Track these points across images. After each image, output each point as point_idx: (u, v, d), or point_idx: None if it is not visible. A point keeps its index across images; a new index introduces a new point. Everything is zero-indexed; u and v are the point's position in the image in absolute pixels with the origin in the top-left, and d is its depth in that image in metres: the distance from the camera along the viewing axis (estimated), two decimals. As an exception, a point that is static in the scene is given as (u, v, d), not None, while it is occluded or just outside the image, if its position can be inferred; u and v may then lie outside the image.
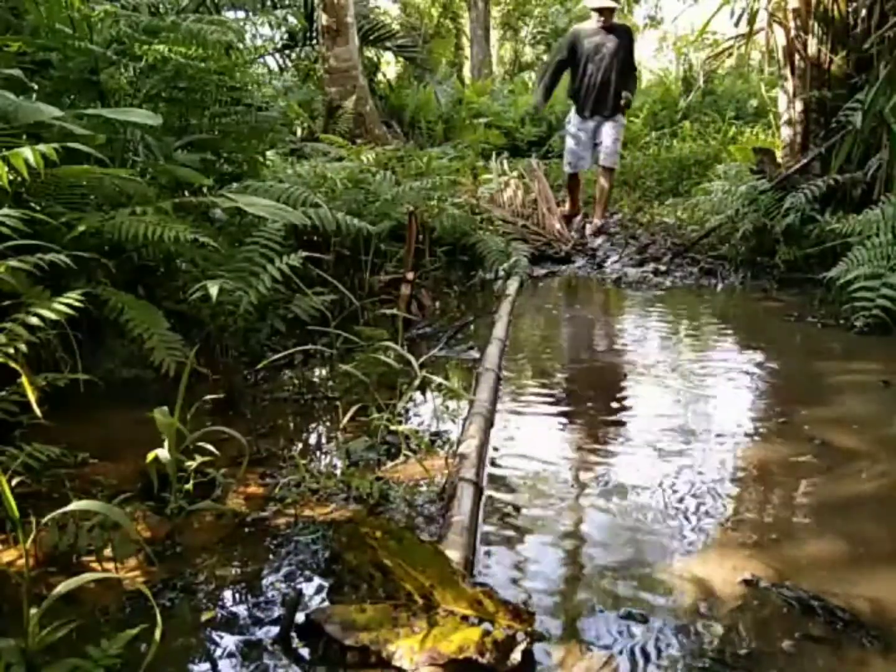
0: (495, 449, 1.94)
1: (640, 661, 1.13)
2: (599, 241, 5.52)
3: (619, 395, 2.51)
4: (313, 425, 2.22)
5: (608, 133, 5.52)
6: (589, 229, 5.70)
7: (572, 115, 5.78)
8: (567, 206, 5.93)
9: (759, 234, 4.30)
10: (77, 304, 1.69)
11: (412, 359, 2.16)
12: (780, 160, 4.68)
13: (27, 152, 1.68)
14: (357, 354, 2.49)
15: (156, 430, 1.55)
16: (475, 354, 2.78)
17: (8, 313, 1.68)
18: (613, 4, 5.58)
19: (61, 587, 1.05)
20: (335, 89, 7.27)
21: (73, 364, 2.08)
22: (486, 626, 1.13)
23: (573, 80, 5.77)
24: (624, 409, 2.38)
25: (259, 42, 4.26)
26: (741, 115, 9.13)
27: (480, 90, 10.61)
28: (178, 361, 2.10)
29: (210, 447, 1.65)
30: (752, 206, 4.38)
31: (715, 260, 4.63)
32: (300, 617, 1.20)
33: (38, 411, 1.50)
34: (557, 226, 5.48)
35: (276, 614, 1.25)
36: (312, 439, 2.14)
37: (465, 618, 1.15)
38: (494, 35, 19.47)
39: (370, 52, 9.20)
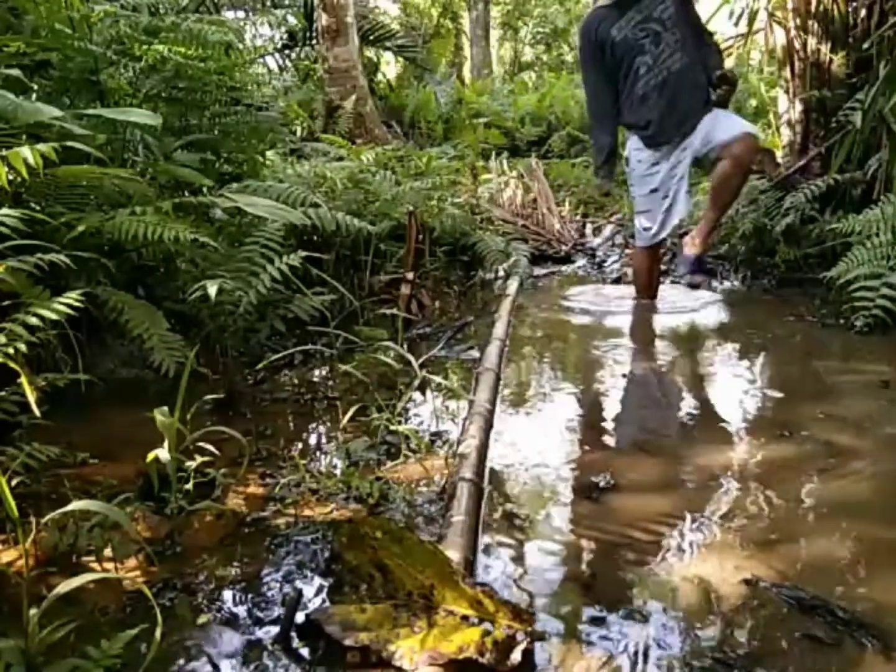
0: (495, 448, 1.94)
1: (640, 661, 1.13)
2: (599, 240, 5.52)
3: (616, 396, 2.51)
4: (313, 425, 2.22)
5: (712, 119, 3.33)
6: (683, 262, 3.56)
7: (633, 148, 3.56)
8: (639, 290, 3.73)
9: (759, 234, 4.30)
10: (77, 304, 1.69)
11: (412, 359, 2.16)
12: (780, 160, 4.69)
13: (26, 152, 1.68)
14: (357, 354, 2.50)
15: (156, 430, 1.55)
16: (475, 354, 2.78)
17: (8, 313, 1.68)
18: None
19: (61, 587, 1.05)
20: (335, 89, 7.28)
21: (73, 364, 2.08)
22: (486, 626, 1.13)
23: (619, 98, 3.49)
24: (622, 409, 2.38)
25: (259, 42, 4.27)
26: (741, 115, 9.13)
27: (480, 90, 10.63)
28: (178, 361, 2.10)
29: (210, 447, 1.65)
30: (752, 206, 4.39)
31: (715, 260, 4.63)
32: (300, 617, 1.20)
33: (36, 411, 1.49)
34: (557, 226, 5.48)
35: (276, 614, 1.25)
36: (312, 439, 2.14)
37: (465, 618, 1.15)
38: (494, 35, 19.50)
39: (370, 52, 9.22)
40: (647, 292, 3.71)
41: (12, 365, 1.48)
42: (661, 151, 3.45)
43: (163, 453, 1.54)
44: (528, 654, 1.11)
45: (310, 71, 8.24)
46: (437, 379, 2.34)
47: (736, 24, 5.07)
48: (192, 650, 1.18)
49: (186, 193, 2.90)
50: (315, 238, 3.33)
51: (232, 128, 3.19)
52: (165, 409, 1.58)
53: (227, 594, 1.32)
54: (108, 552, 1.41)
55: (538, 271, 4.63)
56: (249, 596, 1.31)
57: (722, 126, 3.29)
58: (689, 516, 1.59)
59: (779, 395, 2.47)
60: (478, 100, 9.77)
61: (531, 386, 2.56)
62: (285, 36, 8.18)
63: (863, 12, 4.15)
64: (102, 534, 1.42)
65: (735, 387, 2.53)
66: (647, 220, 3.57)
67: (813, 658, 1.14)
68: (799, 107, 4.49)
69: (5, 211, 1.78)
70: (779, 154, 4.77)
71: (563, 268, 4.85)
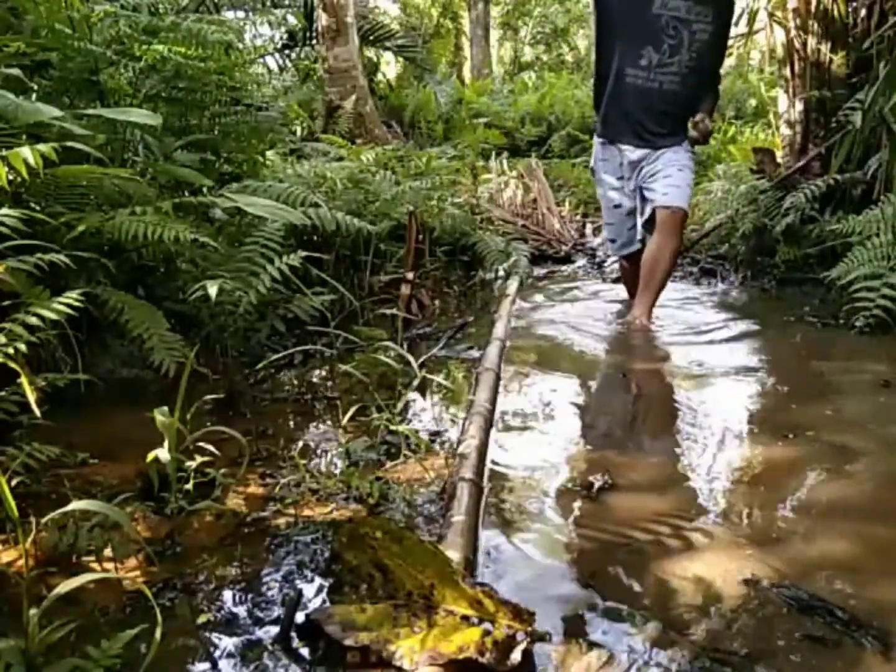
0: (495, 448, 1.94)
1: (640, 661, 1.13)
2: (599, 240, 5.52)
3: (615, 395, 2.51)
4: (313, 425, 2.22)
5: (669, 161, 3.21)
6: (631, 316, 3.30)
7: (599, 158, 3.46)
8: (630, 294, 3.63)
9: (759, 234, 4.31)
10: (77, 304, 1.69)
11: (412, 359, 2.16)
12: (780, 160, 4.69)
13: (26, 152, 1.68)
14: (357, 354, 2.50)
15: (156, 430, 1.55)
16: (475, 354, 2.78)
17: (8, 313, 1.68)
18: None
19: (61, 587, 1.05)
20: (335, 89, 7.28)
21: (73, 364, 2.08)
22: (487, 625, 1.13)
23: (600, 74, 3.35)
24: (621, 408, 2.37)
25: (259, 42, 4.27)
26: (741, 114, 9.15)
27: (480, 90, 10.63)
28: (178, 361, 2.10)
29: (210, 447, 1.65)
30: (752, 206, 4.39)
31: (715, 260, 4.64)
32: (300, 617, 1.20)
33: (37, 411, 1.49)
34: (557, 226, 5.49)
35: (276, 614, 1.25)
36: (312, 439, 2.14)
37: (465, 618, 1.15)
38: (494, 35, 19.52)
39: (370, 52, 9.22)
40: (630, 290, 3.59)
41: (12, 365, 1.48)
42: (619, 157, 3.33)
43: (163, 453, 1.54)
44: (528, 654, 1.11)
45: (310, 71, 8.24)
46: (437, 379, 2.34)
47: (736, 24, 5.07)
48: (192, 650, 1.18)
49: (186, 193, 2.90)
50: (315, 238, 3.33)
51: (232, 128, 3.19)
52: (165, 409, 1.58)
53: (227, 594, 1.32)
54: (108, 552, 1.40)
55: (538, 271, 4.63)
56: (249, 596, 1.31)
57: (663, 181, 3.19)
58: (688, 516, 1.59)
59: (779, 395, 2.47)
60: (478, 100, 9.77)
61: (531, 385, 2.55)
62: (285, 36, 8.18)
63: (863, 12, 4.16)
64: (102, 534, 1.42)
65: (735, 387, 2.53)
66: (611, 232, 3.59)
67: (813, 658, 1.14)
68: (799, 107, 4.49)
69: (5, 211, 1.78)
70: (779, 154, 4.77)
71: (563, 268, 4.86)
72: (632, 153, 3.30)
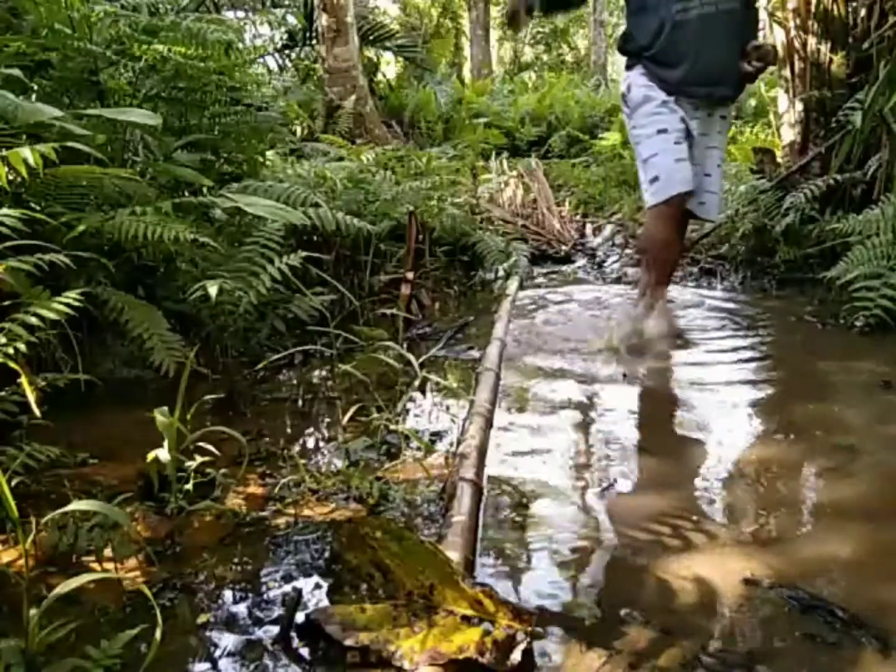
0: (495, 448, 1.94)
1: (641, 661, 1.13)
2: (599, 240, 5.52)
3: (616, 396, 2.51)
4: (313, 425, 2.22)
5: (715, 147, 2.88)
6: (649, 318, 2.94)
7: (639, 84, 2.82)
8: (649, 278, 2.99)
9: (759, 234, 4.30)
10: (77, 304, 1.69)
11: (412, 359, 2.16)
12: (780, 160, 4.69)
13: (26, 152, 1.68)
14: (357, 354, 2.50)
15: (156, 430, 1.55)
16: (475, 354, 2.78)
17: (8, 313, 1.68)
18: None
19: (61, 587, 1.05)
20: (335, 89, 7.28)
21: (73, 364, 2.09)
22: (487, 626, 1.13)
23: (638, 16, 2.79)
24: (621, 409, 2.37)
25: (259, 42, 4.27)
26: (741, 115, 9.14)
27: (480, 90, 10.63)
28: (178, 361, 2.10)
29: (210, 447, 1.65)
30: (752, 206, 4.39)
31: (715, 260, 4.63)
32: (300, 617, 1.20)
33: (37, 411, 1.50)
34: (557, 226, 5.49)
35: (276, 614, 1.25)
36: (312, 439, 2.14)
37: (465, 618, 1.15)
38: (494, 35, 19.52)
39: (370, 52, 9.22)
40: (660, 273, 2.92)
41: (12, 365, 1.48)
42: (675, 106, 2.75)
43: (163, 453, 1.54)
44: (528, 654, 1.11)
45: (310, 71, 8.24)
46: (437, 379, 2.34)
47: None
48: (192, 650, 1.18)
49: (186, 193, 2.90)
50: (315, 238, 3.33)
51: (232, 128, 3.19)
52: (165, 409, 1.58)
53: (227, 594, 1.32)
54: (108, 552, 1.41)
55: (538, 271, 4.63)
56: (249, 596, 1.31)
57: (704, 180, 2.86)
58: (689, 516, 1.59)
59: (779, 394, 2.46)
60: (478, 100, 9.77)
61: (531, 385, 2.55)
62: (285, 36, 8.19)
63: (863, 12, 4.15)
64: (102, 534, 1.42)
65: (735, 387, 2.52)
66: (654, 167, 2.76)
67: (813, 658, 1.14)
68: (799, 107, 4.49)
69: (5, 211, 1.78)
70: (779, 154, 4.77)
71: (563, 268, 4.85)
72: (689, 102, 2.78)
